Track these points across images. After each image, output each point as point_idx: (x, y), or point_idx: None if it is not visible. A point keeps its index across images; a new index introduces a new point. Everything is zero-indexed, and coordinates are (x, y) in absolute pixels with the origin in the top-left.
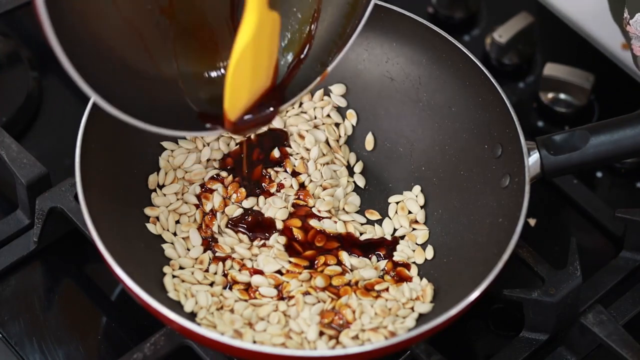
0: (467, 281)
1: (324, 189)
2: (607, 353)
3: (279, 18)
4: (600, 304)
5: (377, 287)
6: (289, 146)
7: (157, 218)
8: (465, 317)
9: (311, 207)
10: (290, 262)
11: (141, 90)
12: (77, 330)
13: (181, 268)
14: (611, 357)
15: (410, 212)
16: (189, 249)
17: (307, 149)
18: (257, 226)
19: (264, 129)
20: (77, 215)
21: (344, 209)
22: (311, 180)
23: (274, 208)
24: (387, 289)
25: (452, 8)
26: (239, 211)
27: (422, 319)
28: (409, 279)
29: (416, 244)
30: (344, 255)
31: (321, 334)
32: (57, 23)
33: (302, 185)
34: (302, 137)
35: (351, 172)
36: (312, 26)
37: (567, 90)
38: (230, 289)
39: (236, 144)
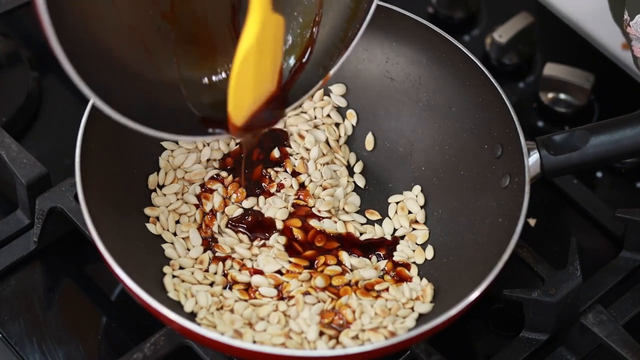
0: (467, 281)
1: (324, 189)
2: (607, 353)
3: (283, 21)
4: (600, 304)
5: (377, 287)
6: (289, 146)
7: (157, 218)
8: (465, 317)
9: (311, 207)
10: (290, 262)
11: (142, 94)
12: (77, 330)
13: (181, 268)
14: (611, 357)
15: (410, 212)
16: (189, 249)
17: (307, 149)
18: (257, 226)
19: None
20: (77, 215)
21: (344, 209)
22: (311, 180)
23: (274, 208)
24: (387, 289)
25: (452, 8)
26: (239, 211)
27: (422, 319)
28: (409, 279)
29: (416, 244)
30: (344, 255)
31: (321, 334)
32: (58, 26)
33: (302, 185)
34: (302, 137)
35: (351, 172)
36: (314, 30)
37: (567, 90)
38: (230, 289)
39: (236, 144)
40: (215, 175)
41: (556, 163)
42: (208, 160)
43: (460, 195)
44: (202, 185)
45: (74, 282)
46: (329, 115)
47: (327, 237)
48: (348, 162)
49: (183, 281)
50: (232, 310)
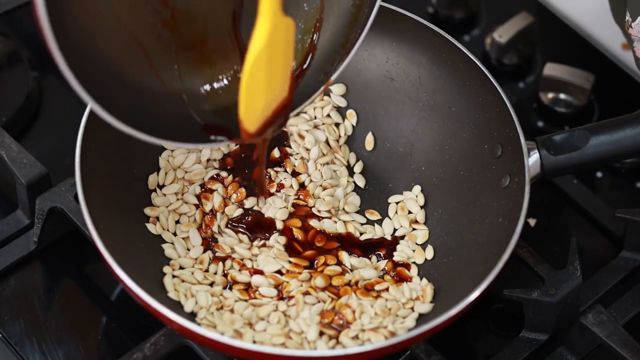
0: (467, 281)
1: (324, 189)
2: (607, 353)
3: (294, 24)
4: (600, 304)
5: (377, 287)
6: (289, 146)
7: (157, 218)
8: (465, 317)
9: (311, 207)
10: (290, 262)
11: (143, 101)
12: (77, 330)
13: (181, 268)
14: (611, 357)
15: (410, 212)
16: (189, 249)
17: (307, 149)
18: (257, 226)
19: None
20: (77, 215)
21: (344, 209)
22: (311, 180)
23: (274, 208)
24: (387, 289)
25: (452, 8)
26: (239, 211)
27: (422, 319)
28: (409, 279)
29: (416, 244)
30: (344, 255)
31: (321, 334)
32: (59, 36)
33: (302, 185)
34: (302, 137)
35: (351, 172)
36: (315, 36)
37: (567, 90)
38: (230, 289)
39: (236, 144)
40: (215, 175)
41: (556, 163)
42: (208, 160)
43: (460, 195)
44: (202, 185)
45: (74, 282)
46: (329, 115)
47: (327, 237)
48: (348, 162)
49: (183, 281)
50: (232, 310)
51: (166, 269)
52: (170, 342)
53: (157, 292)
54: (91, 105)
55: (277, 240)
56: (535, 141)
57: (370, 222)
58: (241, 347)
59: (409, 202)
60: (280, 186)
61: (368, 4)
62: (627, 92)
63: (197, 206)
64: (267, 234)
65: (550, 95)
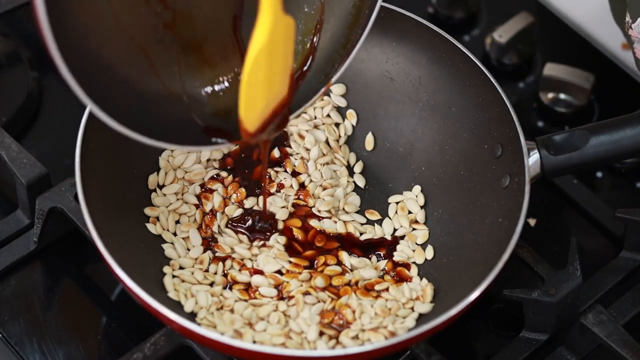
0: (467, 281)
1: (324, 189)
2: (607, 353)
3: (294, 23)
4: (600, 304)
5: (377, 287)
6: (289, 146)
7: (157, 218)
8: (465, 317)
9: (311, 207)
10: (290, 262)
11: (144, 104)
12: (77, 330)
13: (181, 268)
14: (611, 357)
15: (410, 212)
16: (189, 249)
17: (307, 149)
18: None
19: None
20: (77, 215)
21: (344, 209)
22: (311, 180)
23: (274, 208)
24: (387, 289)
25: (452, 8)
26: (239, 211)
27: (422, 319)
28: (409, 279)
29: (416, 244)
30: (344, 255)
31: (321, 334)
32: (58, 34)
33: (302, 185)
34: (302, 137)
35: (351, 172)
36: (315, 38)
37: (567, 90)
38: (230, 289)
39: (236, 144)
40: (215, 175)
41: (556, 163)
42: (208, 160)
43: (460, 195)
44: (202, 185)
45: (74, 282)
46: (329, 115)
47: (327, 237)
48: (348, 162)
49: (183, 281)
50: (232, 310)
51: (166, 269)
52: (170, 342)
53: (157, 292)
54: (90, 106)
55: (277, 240)
56: (535, 141)
57: (370, 222)
58: (241, 347)
59: (409, 202)
60: (280, 186)
61: (368, 5)
62: (627, 92)
63: (197, 206)
64: (267, 234)
65: (550, 95)
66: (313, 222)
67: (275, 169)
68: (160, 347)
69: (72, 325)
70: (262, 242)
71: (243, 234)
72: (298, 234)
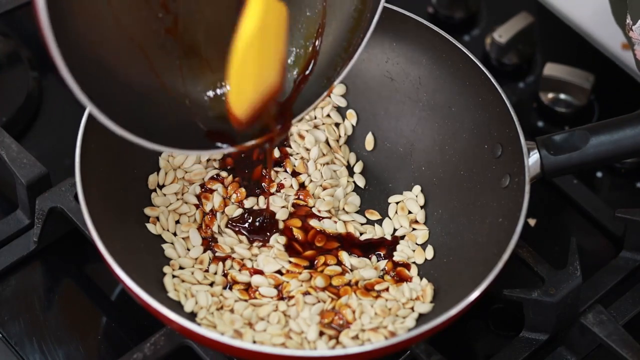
0: (467, 281)
1: (324, 189)
2: (607, 353)
3: (286, 9)
4: (600, 304)
5: (377, 287)
6: (289, 146)
7: (157, 218)
8: (465, 317)
9: (311, 207)
10: (290, 262)
11: (147, 108)
12: (77, 330)
13: (181, 268)
14: (611, 357)
15: (410, 212)
16: (189, 249)
17: (307, 149)
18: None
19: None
20: (77, 215)
21: (344, 209)
22: (311, 180)
23: (274, 208)
24: (387, 289)
25: (452, 8)
26: (239, 211)
27: (422, 319)
28: (409, 279)
29: (416, 244)
30: (344, 255)
31: (321, 334)
32: (59, 34)
33: (302, 185)
34: (302, 137)
35: (351, 172)
36: (317, 42)
37: (567, 90)
38: (230, 289)
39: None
40: (215, 175)
41: (556, 163)
42: (208, 160)
43: (460, 195)
44: (202, 185)
45: (74, 282)
46: (329, 115)
47: (327, 237)
48: (348, 162)
49: (183, 281)
50: (232, 310)
51: (166, 269)
52: (170, 342)
53: (157, 292)
54: (89, 108)
55: (277, 240)
56: (535, 141)
57: (370, 222)
58: (241, 347)
59: (409, 202)
60: (280, 186)
61: (370, 8)
62: (627, 92)
63: (197, 206)
64: (267, 234)
65: (550, 95)
66: (313, 222)
67: (275, 169)
68: (160, 347)
69: (72, 325)
70: (262, 242)
71: (243, 234)
72: (298, 234)
